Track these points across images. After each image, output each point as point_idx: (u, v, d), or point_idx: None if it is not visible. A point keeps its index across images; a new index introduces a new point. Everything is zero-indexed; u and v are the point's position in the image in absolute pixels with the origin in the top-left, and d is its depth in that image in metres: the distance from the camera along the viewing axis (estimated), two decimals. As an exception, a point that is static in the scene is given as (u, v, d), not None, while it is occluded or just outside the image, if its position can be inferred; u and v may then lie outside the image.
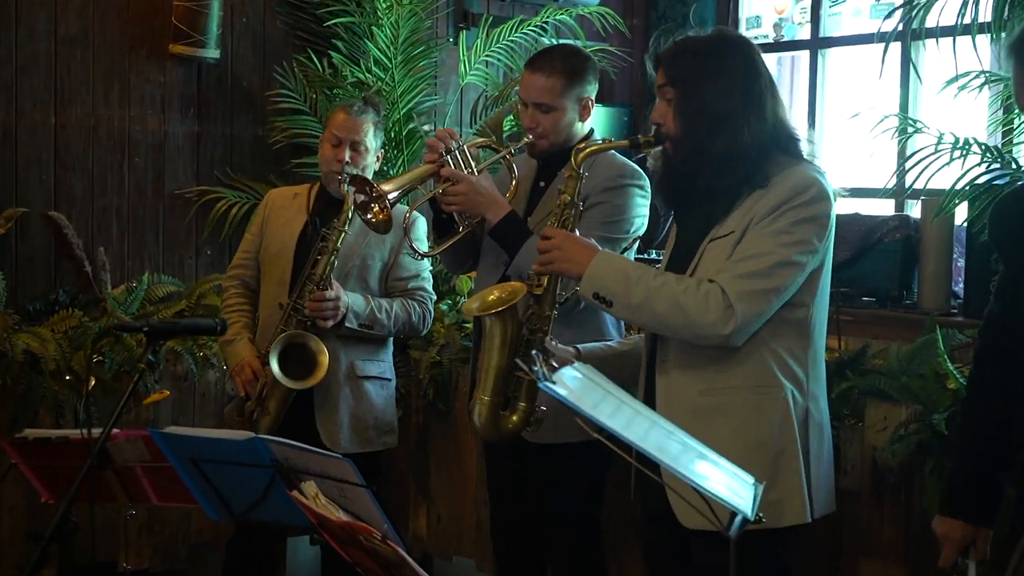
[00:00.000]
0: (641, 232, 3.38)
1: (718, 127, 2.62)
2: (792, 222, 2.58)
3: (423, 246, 3.88)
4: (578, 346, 3.03)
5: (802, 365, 2.68)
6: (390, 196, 3.28)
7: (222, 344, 3.94)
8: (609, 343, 3.15)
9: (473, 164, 3.32)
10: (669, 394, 2.70)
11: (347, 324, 3.76)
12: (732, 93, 2.63)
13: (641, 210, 3.35)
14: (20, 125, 4.91)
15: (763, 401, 2.65)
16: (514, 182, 3.42)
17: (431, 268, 4.08)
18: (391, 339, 4.03)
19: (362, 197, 3.34)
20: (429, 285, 4.03)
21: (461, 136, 3.35)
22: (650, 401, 2.73)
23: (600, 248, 2.78)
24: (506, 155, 3.42)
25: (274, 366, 3.65)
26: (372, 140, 3.87)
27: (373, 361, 3.94)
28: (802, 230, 2.59)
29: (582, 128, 3.42)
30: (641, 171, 3.39)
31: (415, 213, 3.84)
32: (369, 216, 3.32)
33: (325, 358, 3.70)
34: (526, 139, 3.37)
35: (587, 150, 2.86)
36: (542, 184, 3.46)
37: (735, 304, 2.55)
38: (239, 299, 4.00)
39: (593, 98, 3.40)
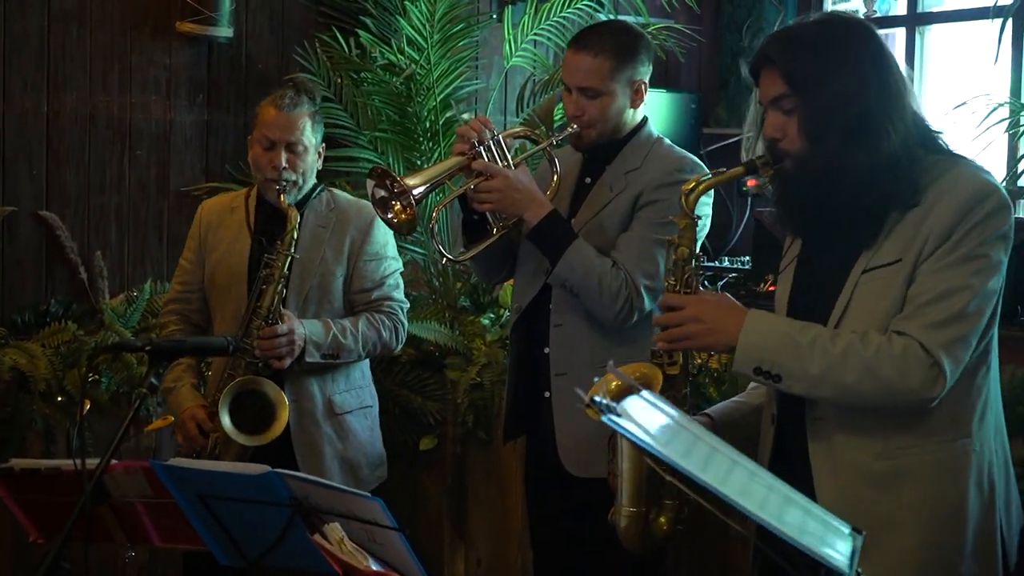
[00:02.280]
0: (703, 235, 3.35)
1: (857, 135, 2.45)
2: (980, 242, 2.43)
3: (388, 248, 3.86)
4: (708, 412, 2.84)
5: (983, 397, 2.54)
6: (415, 192, 3.24)
7: (163, 392, 3.86)
8: (739, 396, 2.92)
9: (510, 157, 3.30)
10: (834, 462, 2.53)
11: (307, 359, 3.69)
12: (866, 91, 2.46)
13: (704, 208, 3.31)
14: (8, 112, 4.95)
15: (954, 456, 2.50)
16: (556, 177, 3.40)
17: (400, 270, 3.99)
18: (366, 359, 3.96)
19: (382, 192, 3.28)
20: (399, 292, 3.94)
21: (504, 126, 3.32)
22: (790, 469, 2.47)
23: (745, 308, 2.58)
24: (547, 147, 3.39)
25: (225, 421, 3.58)
26: (311, 136, 3.77)
27: (351, 392, 3.89)
28: (994, 250, 2.45)
29: (634, 116, 3.40)
30: (702, 164, 3.36)
31: (369, 209, 3.72)
32: (390, 215, 3.28)
33: (284, 406, 3.63)
34: (570, 129, 3.35)
35: (699, 188, 2.67)
36: (588, 180, 3.44)
37: (940, 359, 2.40)
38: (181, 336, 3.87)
39: (647, 81, 3.37)
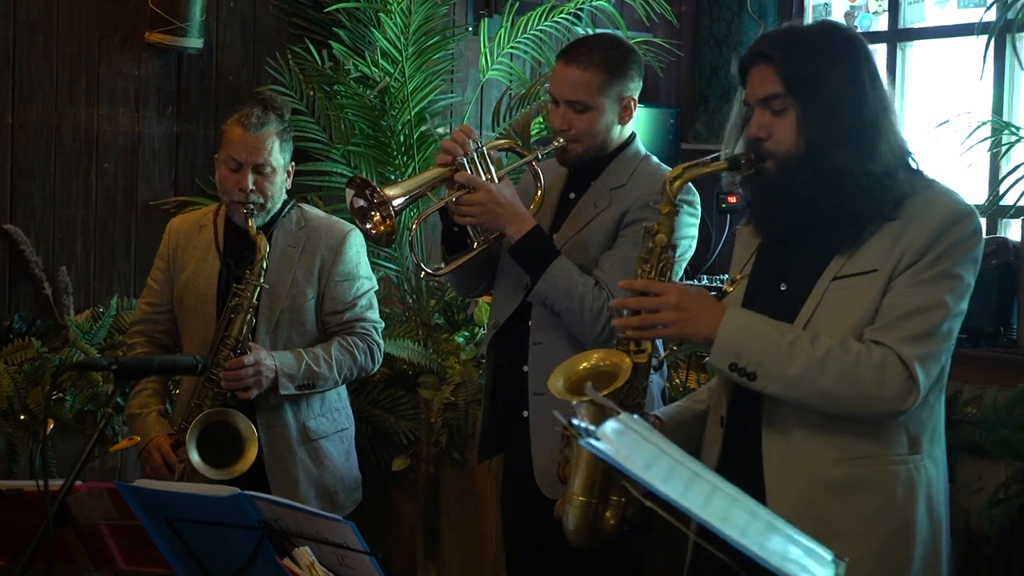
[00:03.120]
0: (689, 256, 3.34)
1: (854, 142, 2.48)
2: (955, 262, 2.49)
3: (360, 267, 3.85)
4: (656, 414, 2.86)
5: (934, 416, 2.60)
6: (395, 203, 3.22)
7: (128, 418, 3.81)
8: (682, 402, 2.95)
9: (493, 170, 3.29)
10: (790, 468, 2.55)
11: (282, 391, 3.67)
12: (863, 101, 2.50)
13: (690, 230, 3.31)
14: (-28, 124, 4.93)
15: (907, 471, 2.55)
16: (539, 192, 3.39)
17: (375, 288, 3.97)
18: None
19: (361, 202, 3.26)
20: (373, 312, 3.91)
21: (480, 138, 3.31)
22: (738, 472, 2.46)
23: (723, 303, 2.60)
24: (532, 161, 3.39)
25: (194, 457, 3.55)
26: (279, 157, 3.74)
27: (326, 416, 3.87)
28: (966, 272, 2.51)
29: (622, 132, 3.39)
30: (690, 184, 3.35)
31: (348, 226, 3.81)
32: (369, 226, 3.26)
33: (254, 440, 3.61)
34: (556, 143, 3.34)
35: (684, 176, 2.66)
36: (572, 196, 3.43)
37: (916, 373, 2.44)
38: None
39: (636, 97, 3.37)
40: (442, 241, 3.43)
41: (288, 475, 3.76)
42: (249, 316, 3.64)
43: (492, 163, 3.30)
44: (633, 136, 3.44)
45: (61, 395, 4.38)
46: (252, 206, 3.67)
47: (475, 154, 3.27)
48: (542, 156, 3.40)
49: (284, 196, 3.82)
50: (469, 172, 3.25)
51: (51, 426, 4.25)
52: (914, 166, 2.59)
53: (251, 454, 3.60)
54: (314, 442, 3.81)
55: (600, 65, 3.29)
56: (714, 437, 2.70)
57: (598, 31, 5.36)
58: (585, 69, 3.29)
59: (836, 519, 2.50)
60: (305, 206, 3.93)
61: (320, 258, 3.80)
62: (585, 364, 2.67)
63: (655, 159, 3.44)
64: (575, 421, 1.67)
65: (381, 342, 3.92)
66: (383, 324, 3.96)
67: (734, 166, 2.60)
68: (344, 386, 3.95)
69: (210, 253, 3.82)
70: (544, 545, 3.44)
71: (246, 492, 2.52)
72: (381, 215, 3.23)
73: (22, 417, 4.32)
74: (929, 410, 2.57)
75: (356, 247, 3.85)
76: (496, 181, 3.28)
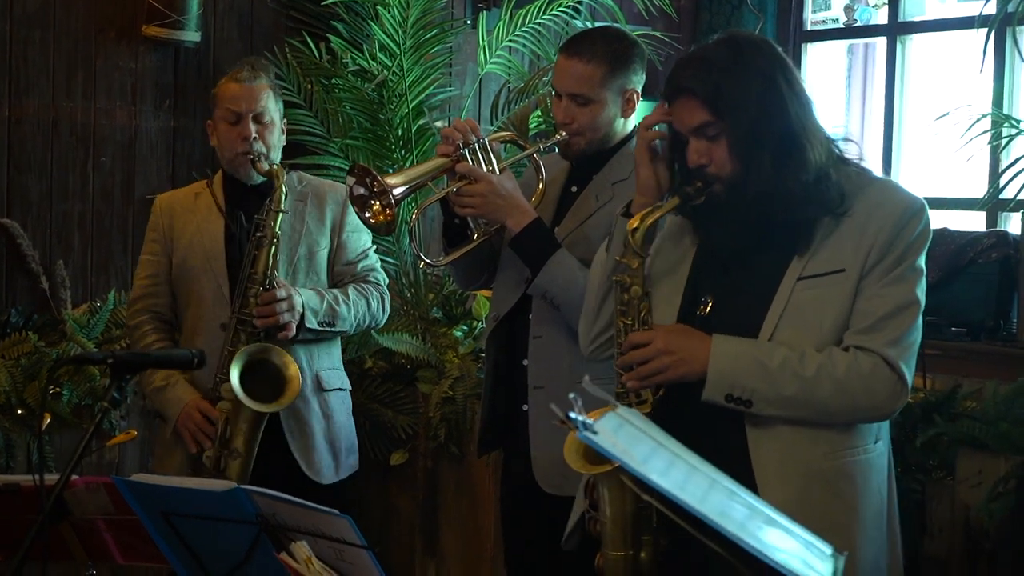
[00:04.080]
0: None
1: (786, 153, 2.52)
2: (918, 256, 2.56)
3: (362, 237, 3.87)
4: None
5: None
6: (395, 192, 3.21)
7: (152, 394, 3.76)
8: None
9: (495, 161, 3.29)
10: (784, 460, 2.57)
11: (307, 325, 3.66)
12: (785, 107, 2.53)
13: None
14: (-32, 118, 4.92)
15: (878, 456, 2.64)
16: (541, 185, 3.38)
17: (377, 257, 4.00)
18: (339, 341, 3.95)
19: (361, 190, 3.25)
20: (379, 264, 3.98)
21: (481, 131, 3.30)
22: (725, 464, 2.42)
23: (706, 334, 2.60)
24: (533, 153, 3.38)
25: (236, 385, 3.50)
26: (274, 109, 3.75)
27: (334, 371, 3.89)
28: (923, 261, 2.58)
29: (624, 126, 3.38)
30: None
31: (341, 186, 3.82)
32: (368, 215, 3.25)
33: (295, 370, 3.60)
34: (558, 136, 3.34)
35: (642, 226, 2.62)
36: (574, 189, 3.43)
37: (904, 375, 2.53)
38: (157, 336, 3.81)
39: (639, 91, 3.36)
40: (442, 233, 3.42)
41: (304, 426, 3.76)
42: (273, 249, 3.61)
43: (494, 155, 3.30)
44: (635, 130, 3.43)
45: (58, 389, 4.37)
46: (257, 154, 3.66)
47: (476, 145, 3.26)
48: (544, 149, 3.39)
49: (280, 155, 3.79)
50: (470, 163, 3.24)
51: (48, 420, 4.25)
52: (843, 154, 2.64)
53: (295, 384, 3.58)
54: (325, 393, 3.82)
55: (603, 58, 3.28)
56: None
57: (597, 24, 5.36)
58: (588, 62, 3.28)
59: (830, 510, 2.53)
60: (299, 171, 3.96)
61: (331, 211, 3.80)
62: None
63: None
64: (572, 415, 1.66)
65: (389, 295, 3.95)
66: (387, 279, 3.99)
67: (685, 199, 2.61)
68: (339, 351, 3.96)
69: (212, 213, 3.80)
70: (542, 539, 3.44)
71: (243, 487, 2.52)
72: (381, 204, 3.22)
73: (19, 411, 4.32)
74: None
75: (353, 215, 3.86)
76: (498, 173, 3.27)
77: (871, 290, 2.53)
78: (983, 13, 4.47)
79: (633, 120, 3.40)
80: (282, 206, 3.63)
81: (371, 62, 5.28)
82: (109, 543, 2.91)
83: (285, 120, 3.83)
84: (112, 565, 3.03)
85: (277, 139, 3.76)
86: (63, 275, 5.02)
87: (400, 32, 5.26)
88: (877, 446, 2.62)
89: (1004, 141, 4.48)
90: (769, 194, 2.51)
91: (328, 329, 3.74)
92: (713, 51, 2.59)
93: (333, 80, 5.27)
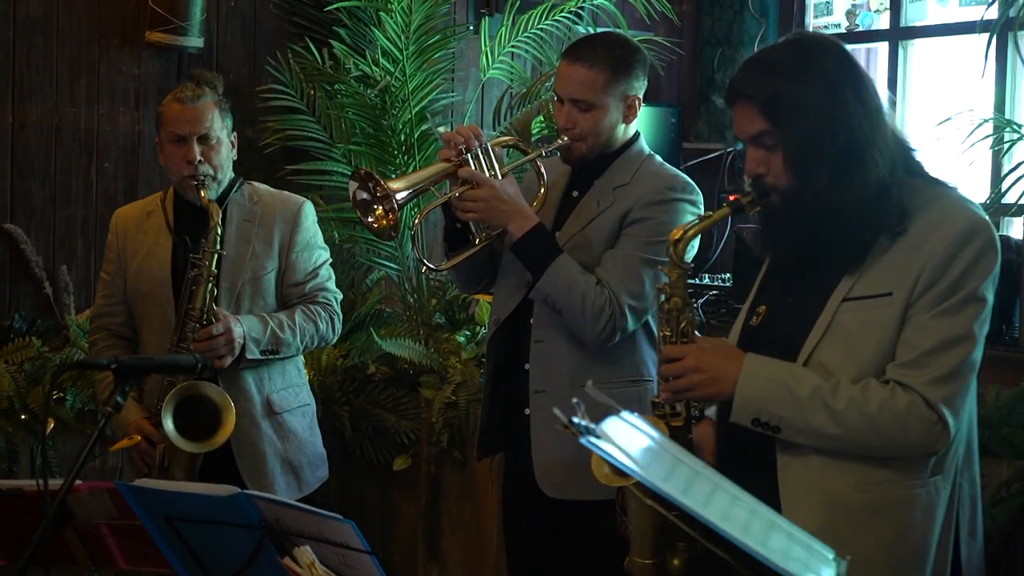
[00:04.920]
0: (691, 255, 3.34)
1: (844, 168, 2.38)
2: (975, 286, 2.37)
3: (317, 237, 3.83)
4: (708, 415, 2.78)
5: (962, 436, 2.48)
6: (398, 196, 3.21)
7: (102, 410, 3.76)
8: None
9: (497, 166, 3.29)
10: (809, 487, 2.47)
11: (248, 356, 3.63)
12: (849, 117, 2.39)
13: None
14: (-28, 124, 4.93)
15: (927, 494, 2.45)
16: (543, 190, 3.39)
17: (330, 260, 3.93)
18: (300, 356, 3.91)
19: (364, 195, 3.25)
20: (331, 282, 3.89)
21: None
22: (754, 485, 2.35)
23: (743, 353, 2.51)
24: (535, 158, 3.38)
25: (169, 427, 3.49)
26: (221, 127, 3.69)
27: (288, 390, 3.84)
28: (989, 292, 2.40)
29: (626, 131, 3.39)
30: (693, 184, 3.35)
31: (301, 199, 3.82)
32: (371, 219, 3.25)
33: (230, 409, 3.56)
34: (560, 140, 3.34)
35: (687, 236, 2.57)
36: (575, 194, 3.43)
37: (945, 416, 2.36)
38: (114, 353, 3.75)
39: (641, 97, 3.37)
40: (444, 237, 3.44)
41: (255, 450, 3.73)
42: (210, 285, 3.59)
43: (496, 160, 3.30)
44: (637, 135, 3.43)
45: (62, 395, 4.37)
46: (203, 177, 3.62)
47: (479, 150, 3.27)
48: (546, 154, 3.40)
49: (231, 171, 3.77)
50: (473, 168, 3.25)
51: (52, 425, 4.25)
52: (920, 166, 2.50)
53: (229, 424, 3.54)
54: (278, 415, 3.78)
55: (605, 64, 3.29)
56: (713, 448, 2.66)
57: (599, 30, 5.36)
58: (590, 68, 3.29)
59: (856, 544, 2.38)
60: (254, 183, 3.88)
61: (279, 231, 3.76)
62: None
63: (659, 158, 3.44)
64: (575, 419, 1.66)
65: (340, 313, 3.88)
66: (341, 295, 3.93)
67: (737, 211, 2.54)
68: (303, 363, 3.94)
69: (162, 235, 3.77)
70: (545, 544, 3.44)
71: (246, 491, 2.52)
72: (384, 208, 3.23)
73: (23, 416, 4.33)
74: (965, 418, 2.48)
75: (311, 218, 3.84)
76: (500, 178, 3.27)
77: (919, 319, 2.37)
78: (985, 18, 4.48)
79: (635, 125, 3.40)
80: (216, 246, 3.61)
81: (374, 67, 5.28)
82: (112, 548, 2.91)
83: (235, 134, 3.78)
84: (115, 570, 3.03)
85: (226, 157, 3.72)
86: (66, 280, 5.02)
87: (403, 38, 5.26)
88: (932, 481, 2.44)
89: (1006, 146, 4.48)
90: (823, 211, 2.40)
91: (272, 357, 3.72)
92: (776, 54, 2.47)
93: (336, 85, 5.28)
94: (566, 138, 3.32)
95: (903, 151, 2.48)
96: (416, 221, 3.46)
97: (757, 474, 2.43)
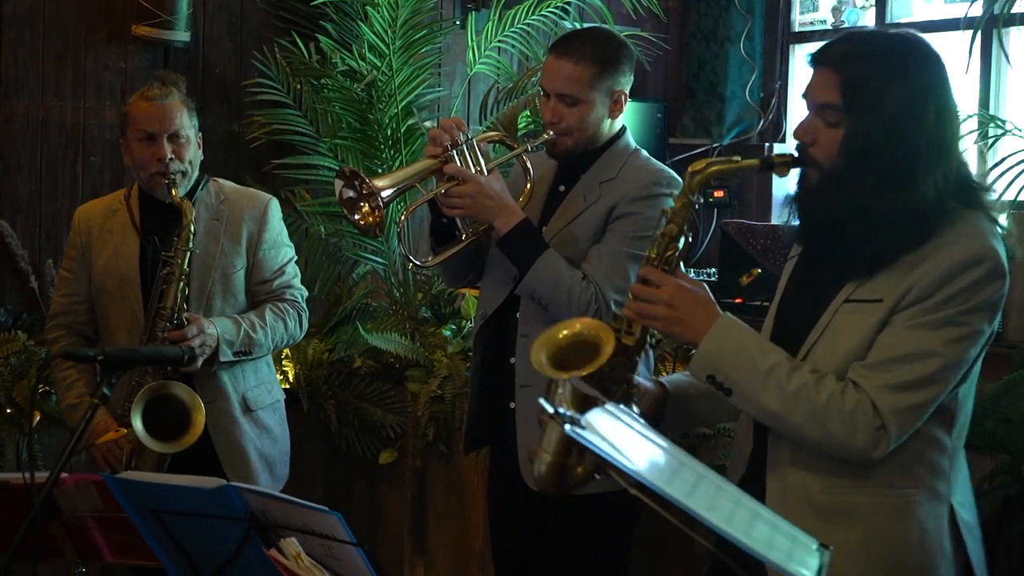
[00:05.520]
0: (680, 245, 3.34)
1: (894, 179, 2.34)
2: (962, 310, 2.33)
3: (283, 235, 3.85)
4: (663, 380, 2.76)
5: (945, 452, 2.46)
6: (383, 194, 3.21)
7: (66, 411, 3.75)
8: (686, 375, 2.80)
9: (483, 162, 3.29)
10: (786, 490, 2.48)
11: (221, 359, 3.63)
12: (921, 129, 2.34)
13: None
14: (-43, 117, 4.92)
15: (896, 506, 2.42)
16: (529, 185, 3.39)
17: (295, 258, 3.95)
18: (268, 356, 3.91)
19: (350, 193, 3.25)
20: (298, 280, 3.90)
21: (469, 131, 3.31)
22: (758, 481, 2.51)
23: (719, 310, 2.48)
24: (521, 153, 3.39)
25: (138, 427, 3.47)
26: (189, 125, 3.70)
27: (261, 387, 3.84)
28: (976, 319, 2.34)
29: (612, 126, 3.39)
30: (680, 179, 3.35)
31: (268, 196, 3.85)
32: (357, 217, 3.25)
33: (200, 410, 3.54)
34: (546, 135, 3.34)
35: (706, 171, 2.49)
36: (561, 189, 3.44)
37: (888, 423, 2.33)
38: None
39: (627, 92, 3.37)
40: (430, 233, 3.43)
41: (237, 448, 3.74)
42: (182, 284, 3.59)
43: (481, 155, 3.30)
44: (623, 130, 3.44)
45: (47, 389, 4.36)
46: (174, 175, 3.62)
47: (464, 146, 3.27)
48: (532, 149, 3.40)
49: (198, 169, 3.76)
50: (458, 164, 3.25)
51: (37, 419, 4.25)
52: (975, 199, 2.42)
53: (199, 424, 3.53)
54: (254, 412, 3.79)
55: (591, 59, 3.29)
56: (735, 469, 2.65)
57: (586, 25, 5.37)
58: (576, 63, 3.29)
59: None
60: (220, 180, 3.88)
61: (246, 229, 3.76)
62: (567, 332, 2.51)
63: (645, 153, 3.45)
64: (560, 410, 1.67)
65: (307, 310, 3.89)
66: (307, 292, 3.93)
67: (767, 166, 2.49)
68: (272, 359, 3.94)
69: (128, 235, 3.75)
70: (530, 537, 3.45)
71: (233, 483, 2.52)
72: (370, 206, 3.23)
73: (8, 410, 4.32)
74: (936, 445, 2.44)
75: (278, 215, 3.85)
76: (486, 173, 3.28)
77: (895, 327, 2.36)
78: (969, 15, 4.50)
79: (621, 120, 3.41)
80: (189, 244, 3.61)
81: (360, 62, 5.28)
82: (99, 541, 2.91)
83: (200, 135, 3.77)
84: (102, 563, 3.03)
85: (194, 155, 3.72)
86: (52, 274, 5.00)
87: (389, 32, 5.26)
88: (900, 494, 2.42)
89: (990, 141, 4.49)
90: (853, 209, 2.37)
91: (244, 358, 3.72)
92: (882, 42, 2.42)
93: (322, 80, 5.27)
94: (552, 133, 3.33)
95: (963, 185, 2.43)
96: (402, 218, 3.45)
97: (760, 476, 2.49)
